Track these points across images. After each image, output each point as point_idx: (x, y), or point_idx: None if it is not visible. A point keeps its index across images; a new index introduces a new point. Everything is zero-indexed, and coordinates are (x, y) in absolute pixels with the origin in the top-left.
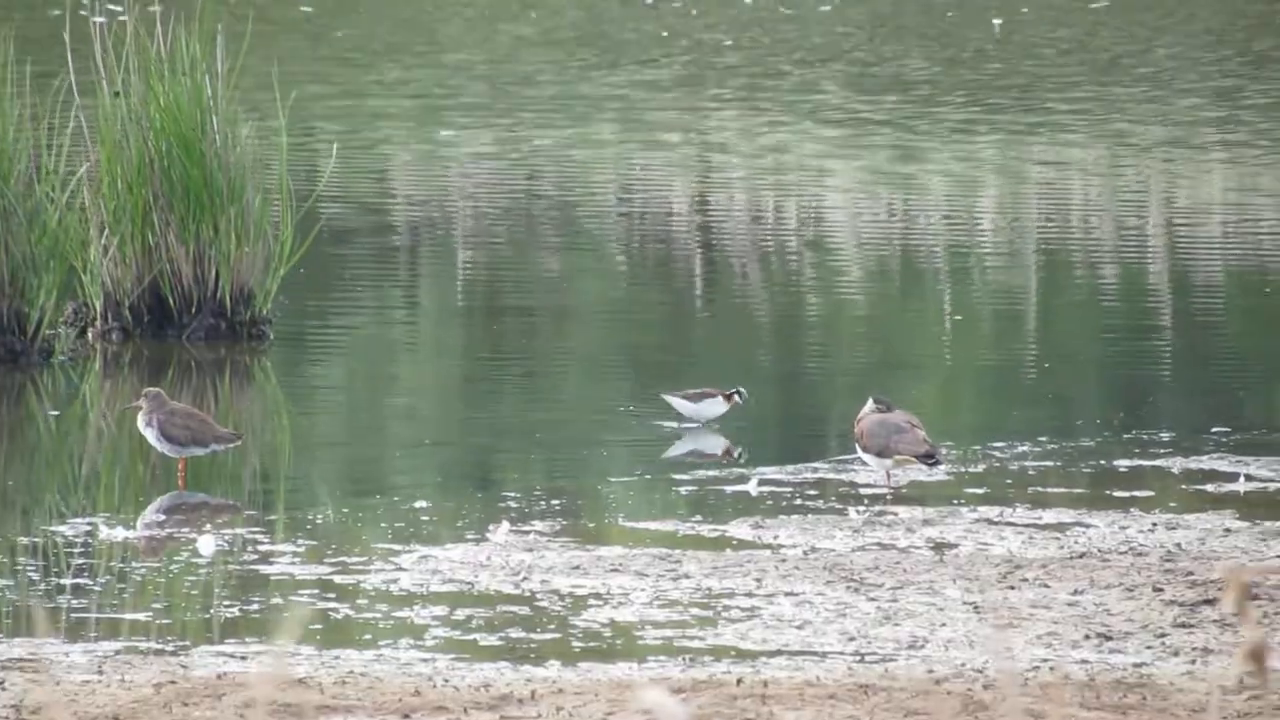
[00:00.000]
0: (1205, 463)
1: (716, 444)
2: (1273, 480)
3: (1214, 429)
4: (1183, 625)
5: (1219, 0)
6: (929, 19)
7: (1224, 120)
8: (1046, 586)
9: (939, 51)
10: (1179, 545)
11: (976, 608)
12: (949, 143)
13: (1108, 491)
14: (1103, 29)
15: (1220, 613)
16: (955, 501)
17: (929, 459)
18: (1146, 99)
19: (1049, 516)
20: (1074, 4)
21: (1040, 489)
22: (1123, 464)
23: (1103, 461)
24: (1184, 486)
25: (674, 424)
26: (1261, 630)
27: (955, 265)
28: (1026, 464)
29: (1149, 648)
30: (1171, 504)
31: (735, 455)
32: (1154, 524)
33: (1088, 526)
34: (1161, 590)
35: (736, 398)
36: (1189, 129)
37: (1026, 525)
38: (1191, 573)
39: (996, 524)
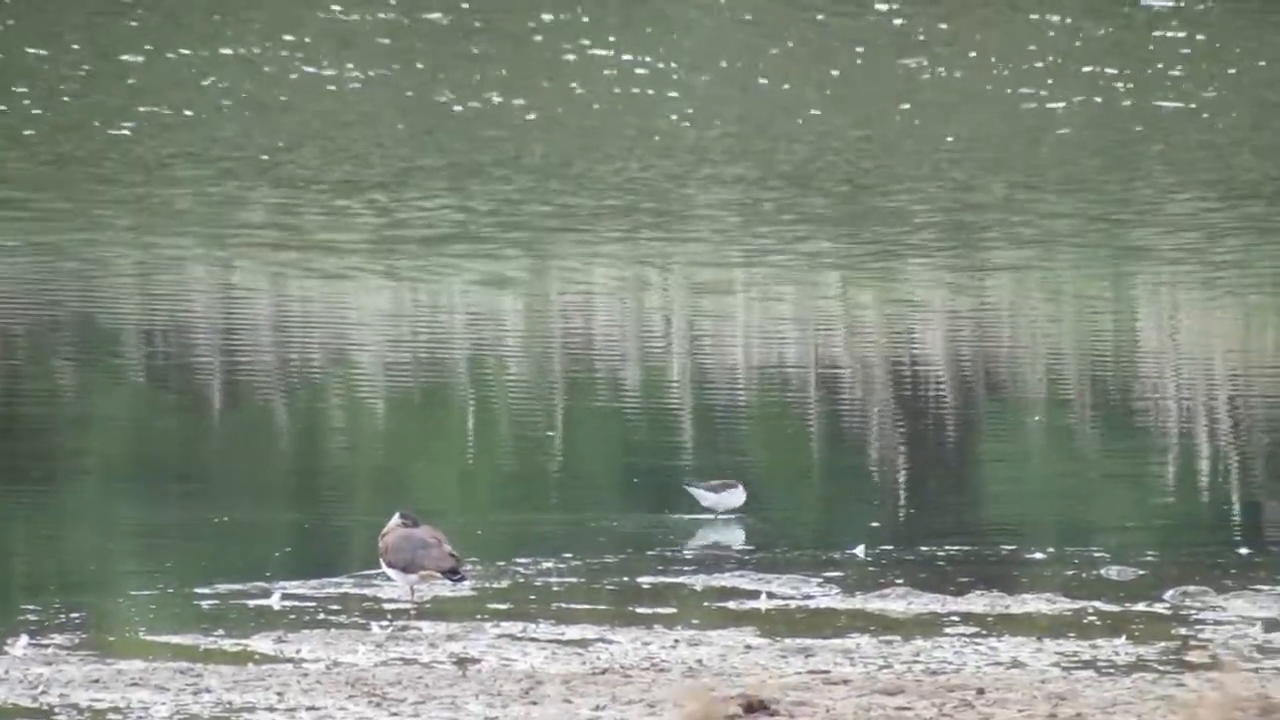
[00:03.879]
0: (727, 580)
1: (239, 554)
2: (793, 598)
3: (736, 547)
4: None
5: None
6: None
7: (749, 248)
8: (569, 702)
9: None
10: (700, 661)
11: None
12: (473, 282)
13: (631, 608)
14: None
15: None
16: (479, 616)
17: (454, 574)
18: (672, 234)
19: (572, 632)
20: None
21: (564, 605)
22: (646, 581)
23: (626, 578)
24: (706, 603)
25: (187, 532)
26: None
27: (478, 381)
28: (550, 580)
29: None
30: (694, 620)
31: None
32: (676, 640)
33: (610, 642)
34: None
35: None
36: (716, 264)
37: (550, 641)
38: (713, 689)
39: (520, 639)
